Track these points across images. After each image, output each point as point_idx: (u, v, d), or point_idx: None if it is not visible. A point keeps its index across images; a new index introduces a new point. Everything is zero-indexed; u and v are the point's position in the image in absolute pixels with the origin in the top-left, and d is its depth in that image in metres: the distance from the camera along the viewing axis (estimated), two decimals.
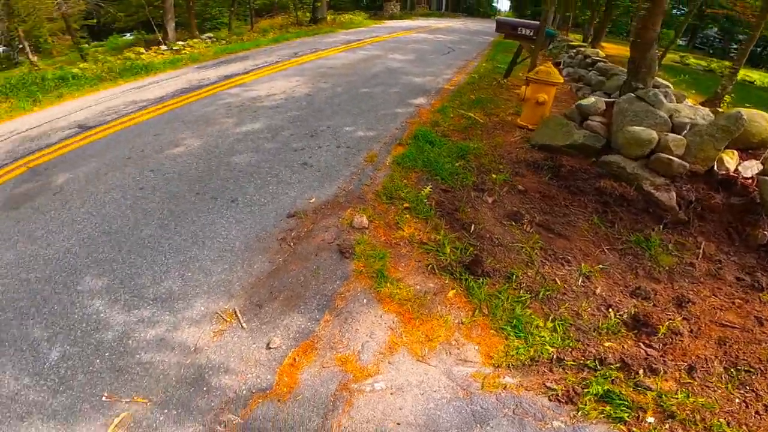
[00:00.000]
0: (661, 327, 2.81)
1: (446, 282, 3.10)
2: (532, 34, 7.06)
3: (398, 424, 2.20)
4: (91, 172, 4.60)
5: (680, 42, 23.58)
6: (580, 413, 2.40)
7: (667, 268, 3.28)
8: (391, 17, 22.96)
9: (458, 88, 7.31)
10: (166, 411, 2.20)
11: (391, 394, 2.36)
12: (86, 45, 18.13)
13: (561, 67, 9.67)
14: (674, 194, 3.48)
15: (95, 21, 20.79)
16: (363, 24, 19.82)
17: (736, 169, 3.51)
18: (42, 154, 5.35)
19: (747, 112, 3.78)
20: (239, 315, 2.76)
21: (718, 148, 3.50)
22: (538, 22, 7.30)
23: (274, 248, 3.33)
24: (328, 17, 21.15)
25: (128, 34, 25.52)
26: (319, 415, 2.20)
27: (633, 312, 2.94)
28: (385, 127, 5.39)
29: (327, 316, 2.80)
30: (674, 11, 17.01)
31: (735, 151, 3.64)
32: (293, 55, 10.33)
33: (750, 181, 3.45)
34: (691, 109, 3.96)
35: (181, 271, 3.12)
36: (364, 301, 2.92)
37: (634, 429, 2.41)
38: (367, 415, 2.21)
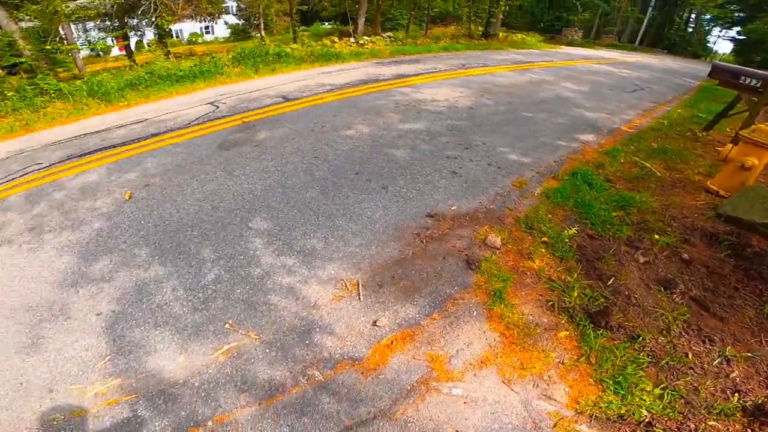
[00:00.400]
0: None
1: (562, 322, 2.96)
2: (758, 85, 5.85)
3: (456, 431, 2.26)
4: (283, 135, 5.68)
5: None
6: None
7: None
8: (570, 44, 21.48)
9: (638, 132, 6.53)
10: (267, 351, 2.62)
11: (464, 403, 2.42)
12: (296, 28, 21.77)
13: None
14: None
15: (307, 7, 24.61)
16: (536, 46, 19.08)
17: None
18: (254, 114, 6.80)
19: None
20: (361, 288, 3.14)
21: None
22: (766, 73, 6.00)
23: (408, 240, 3.64)
24: (500, 34, 20.97)
25: (327, 23, 29.73)
26: (391, 397, 2.39)
27: (762, 401, 2.36)
28: (541, 156, 5.23)
29: (435, 314, 2.97)
30: None
31: None
32: (461, 66, 10.66)
33: None
34: None
35: (326, 234, 3.67)
36: (474, 313, 2.99)
37: None
38: (433, 413, 2.33)
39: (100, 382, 2.52)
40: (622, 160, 5.27)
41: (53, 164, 5.65)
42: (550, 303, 3.10)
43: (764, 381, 2.68)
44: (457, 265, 3.37)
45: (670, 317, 3.02)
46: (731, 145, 4.47)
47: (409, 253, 3.51)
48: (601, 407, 2.48)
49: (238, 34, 34.62)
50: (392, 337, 2.78)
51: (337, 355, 2.61)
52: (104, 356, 2.67)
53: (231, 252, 3.50)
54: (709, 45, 31.75)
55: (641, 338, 2.86)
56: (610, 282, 3.28)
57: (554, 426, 2.37)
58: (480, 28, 21.31)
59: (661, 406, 2.47)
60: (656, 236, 3.71)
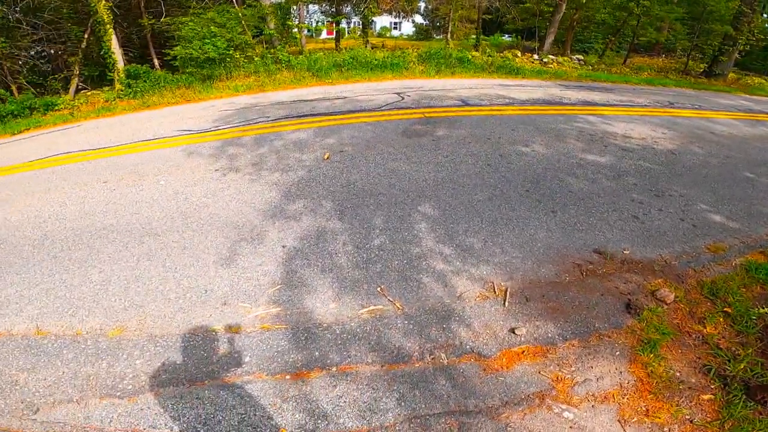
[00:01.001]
0: None
1: (711, 387, 2.60)
2: None
3: None
4: (460, 137, 6.09)
5: None
6: None
7: None
8: None
9: None
10: (405, 322, 2.89)
11: (570, 427, 2.37)
12: (479, 36, 22.09)
13: None
14: None
15: (491, 16, 24.60)
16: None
17: None
18: (434, 111, 7.40)
19: None
20: (507, 294, 3.27)
21: None
22: None
23: (567, 268, 3.60)
24: (730, 75, 17.45)
25: (508, 36, 29.26)
26: (502, 399, 2.47)
27: None
28: (753, 225, 4.40)
29: (575, 341, 2.92)
30: None
31: None
32: (668, 104, 9.39)
33: None
34: None
35: (486, 237, 3.89)
36: (617, 353, 2.85)
37: None
38: (537, 427, 2.35)
39: (264, 307, 3.11)
40: None
41: (276, 119, 7.21)
42: (707, 367, 2.75)
43: None
44: (614, 306, 3.22)
45: None
46: None
47: (565, 279, 3.49)
48: None
49: (422, 33, 36.96)
50: (525, 347, 2.86)
51: (467, 347, 2.80)
52: (276, 284, 3.32)
53: (398, 226, 4.02)
54: None
55: None
56: None
57: None
58: (702, 65, 18.22)
59: None
60: None
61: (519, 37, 26.16)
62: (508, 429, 2.37)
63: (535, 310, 3.20)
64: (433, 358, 2.73)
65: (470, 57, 14.51)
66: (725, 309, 3.27)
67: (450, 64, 13.14)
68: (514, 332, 2.99)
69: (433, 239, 3.87)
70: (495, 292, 3.35)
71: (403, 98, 8.46)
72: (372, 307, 3.08)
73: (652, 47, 24.74)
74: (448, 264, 3.57)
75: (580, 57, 19.01)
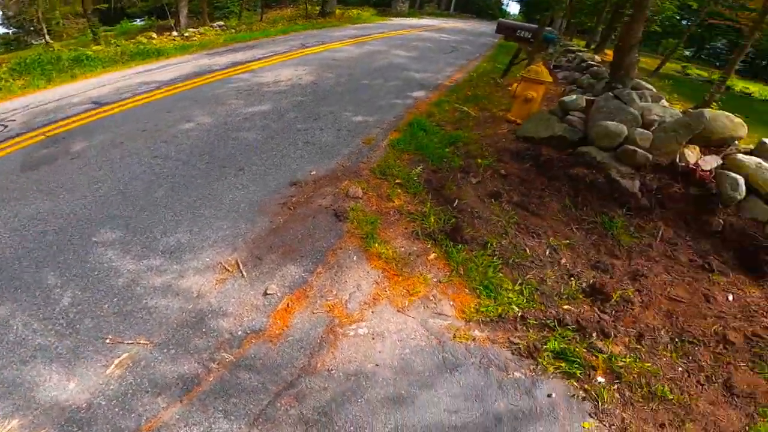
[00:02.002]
0: (614, 295, 3.25)
1: (428, 246, 3.56)
2: (530, 36, 7.53)
3: (377, 365, 2.61)
4: (106, 141, 5.07)
5: (687, 53, 24.03)
6: (539, 367, 2.80)
7: (626, 247, 3.73)
8: (398, 14, 23.48)
9: (456, 84, 7.80)
10: (164, 351, 2.54)
11: (372, 338, 2.79)
12: (95, 29, 18.64)
13: (559, 69, 10.15)
14: (638, 182, 3.93)
15: (107, 5, 21.33)
16: (370, 20, 20.37)
17: (696, 163, 3.95)
18: (59, 126, 5.82)
19: (711, 113, 4.24)
20: (241, 265, 3.21)
21: (680, 143, 3.95)
22: (536, 26, 7.77)
23: (276, 210, 3.79)
24: (337, 12, 21.67)
25: (138, 20, 26.05)
26: (305, 354, 2.60)
27: (592, 281, 3.39)
28: (383, 115, 5.87)
29: (320, 268, 3.25)
30: (683, 22, 17.42)
31: (697, 147, 4.09)
32: (300, 47, 10.83)
33: (708, 173, 3.89)
34: (662, 109, 4.42)
35: (190, 226, 3.57)
36: (354, 258, 3.37)
37: (586, 386, 2.79)
38: (350, 356, 2.63)
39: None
40: (447, 108, 6.29)
41: None
42: (414, 232, 3.68)
43: (586, 262, 3.70)
44: (327, 220, 3.69)
45: (504, 222, 3.90)
46: (516, 84, 5.76)
47: (280, 221, 3.68)
48: (482, 312, 3.10)
49: (10, 44, 27.83)
50: (287, 300, 2.95)
51: (240, 333, 2.67)
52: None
53: (80, 271, 3.13)
54: (504, 8, 38.39)
55: (489, 244, 3.63)
56: (455, 204, 4.03)
57: (454, 338, 2.89)
58: (317, 8, 21.55)
59: (524, 300, 3.21)
60: (479, 160, 4.66)
61: (153, 18, 23.59)
62: (332, 372, 2.47)
63: (272, 263, 3.26)
64: (219, 363, 2.48)
65: (91, 53, 12.02)
66: (397, 181, 4.30)
67: (63, 67, 10.49)
68: (268, 293, 2.98)
69: (132, 260, 3.22)
70: (229, 270, 3.18)
71: (6, 126, 6.22)
72: (117, 360, 2.48)
73: (281, 0, 27.41)
74: (166, 273, 3.10)
75: (222, 23, 19.05)
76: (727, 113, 4.30)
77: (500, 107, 6.43)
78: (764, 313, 3.21)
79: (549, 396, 2.62)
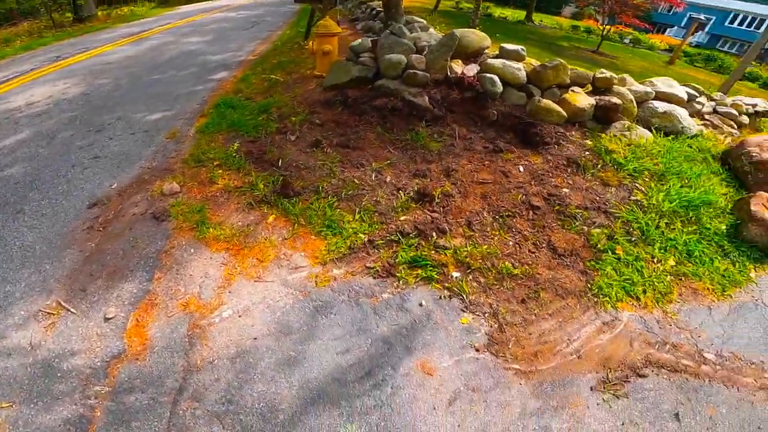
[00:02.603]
0: (436, 193, 3.84)
1: (265, 211, 3.60)
2: None
3: (255, 338, 2.63)
4: None
5: None
6: (401, 282, 3.12)
7: (436, 151, 4.41)
8: (188, 1, 21.23)
9: (261, 57, 7.66)
10: (33, 405, 2.23)
11: (240, 316, 2.77)
12: None
13: (357, 21, 10.77)
14: (426, 98, 4.63)
15: None
16: (149, 14, 17.98)
17: (462, 72, 4.83)
18: None
19: (461, 31, 5.15)
20: (65, 304, 2.78)
21: (446, 59, 4.77)
22: None
23: (83, 237, 3.31)
24: (99, 13, 18.48)
25: None
26: (180, 356, 2.48)
27: (416, 188, 3.94)
28: (184, 105, 5.46)
29: (158, 273, 3.02)
30: None
31: (459, 60, 4.99)
32: (55, 59, 9.00)
33: (473, 78, 4.80)
34: (429, 35, 5.20)
35: None
36: (192, 250, 3.21)
37: (447, 284, 3.19)
38: (225, 341, 2.59)
39: None
40: (254, 81, 6.19)
41: None
42: (247, 203, 3.66)
43: (408, 174, 4.15)
44: (147, 226, 3.39)
45: (329, 164, 4.15)
46: (312, 41, 5.95)
47: (92, 247, 3.23)
48: (333, 251, 3.28)
49: None
50: (134, 316, 2.71)
51: (99, 363, 2.42)
52: None
53: None
54: None
55: (321, 187, 3.85)
56: (280, 164, 4.11)
57: (317, 284, 3.01)
58: (69, 14, 17.86)
59: (367, 226, 3.48)
60: (293, 118, 4.79)
61: None
62: (215, 363, 2.43)
63: (100, 288, 2.88)
64: (97, 398, 2.27)
65: None
66: (216, 163, 4.12)
67: None
68: (109, 319, 2.68)
69: None
70: (54, 313, 2.72)
71: None
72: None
73: (11, 16, 21.80)
74: None
75: None
76: (474, 30, 5.28)
77: (307, 67, 6.60)
78: (549, 175, 4.18)
79: (421, 305, 2.96)
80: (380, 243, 3.38)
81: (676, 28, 33.11)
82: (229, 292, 2.94)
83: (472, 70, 4.88)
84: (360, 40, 5.35)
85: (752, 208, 4.10)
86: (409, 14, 13.73)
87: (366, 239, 3.40)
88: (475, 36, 5.14)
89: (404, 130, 4.57)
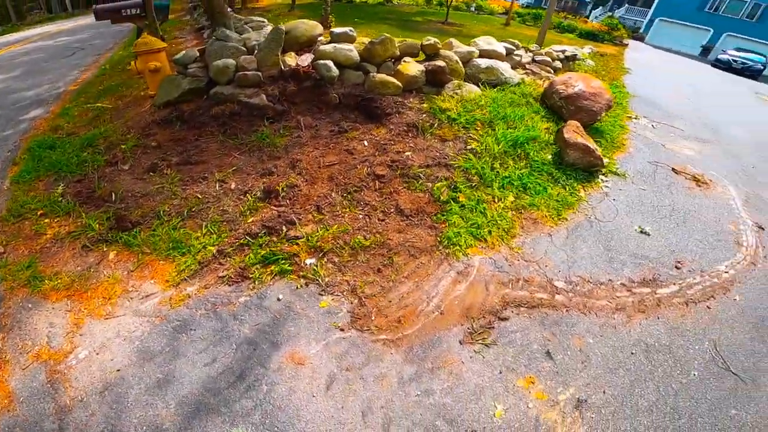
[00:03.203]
0: (279, 188, 3.86)
1: (104, 250, 3.38)
2: (139, 12, 7.08)
3: (119, 370, 2.53)
4: None
5: None
6: (256, 282, 3.10)
7: (282, 146, 4.47)
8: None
9: (85, 85, 6.91)
10: None
11: (97, 354, 2.63)
12: None
13: (203, 30, 10.21)
14: (264, 96, 4.66)
15: None
16: None
17: (297, 64, 4.94)
18: None
19: (290, 24, 5.24)
20: None
21: (276, 54, 4.83)
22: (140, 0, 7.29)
23: None
24: None
25: None
26: (48, 400, 2.37)
27: (263, 187, 3.96)
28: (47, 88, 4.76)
29: (0, 335, 2.76)
30: None
31: (293, 53, 5.09)
32: None
33: (308, 67, 4.93)
34: (259, 34, 5.19)
35: None
36: (30, 306, 2.95)
37: (302, 273, 3.20)
38: (88, 379, 2.48)
39: None
40: (76, 113, 5.60)
41: None
42: (83, 246, 3.38)
43: (255, 175, 4.10)
44: None
45: (168, 186, 3.95)
46: (134, 61, 5.52)
47: None
48: (184, 270, 3.17)
49: None
50: None
51: None
52: None
53: None
54: None
55: (162, 211, 3.65)
56: (114, 198, 3.84)
57: (171, 306, 2.92)
58: None
59: (215, 237, 3.41)
60: (123, 146, 4.47)
61: None
62: (84, 400, 2.27)
63: None
64: None
65: None
66: (40, 213, 3.70)
67: None
68: None
69: None
70: None
71: None
72: None
73: None
74: None
75: None
76: (304, 21, 5.38)
77: (141, 88, 6.14)
78: (391, 143, 4.49)
79: (279, 300, 2.99)
80: (230, 251, 3.36)
81: None
82: (80, 334, 2.78)
83: (306, 59, 5.01)
84: (184, 52, 5.14)
85: (566, 135, 4.86)
86: (268, 13, 13.46)
87: (215, 250, 3.35)
88: (306, 26, 5.26)
89: (248, 132, 4.55)
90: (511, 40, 7.20)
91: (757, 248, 4.05)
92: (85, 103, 5.89)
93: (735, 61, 17.93)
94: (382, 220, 3.70)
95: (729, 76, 16.33)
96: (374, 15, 14.42)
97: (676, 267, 3.65)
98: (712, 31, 23.63)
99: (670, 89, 9.90)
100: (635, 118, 6.87)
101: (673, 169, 5.24)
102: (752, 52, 19.11)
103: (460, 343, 2.77)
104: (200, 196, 3.83)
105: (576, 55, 8.38)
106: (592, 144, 4.79)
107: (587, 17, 25.18)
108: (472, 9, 20.08)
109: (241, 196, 3.87)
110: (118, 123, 5.06)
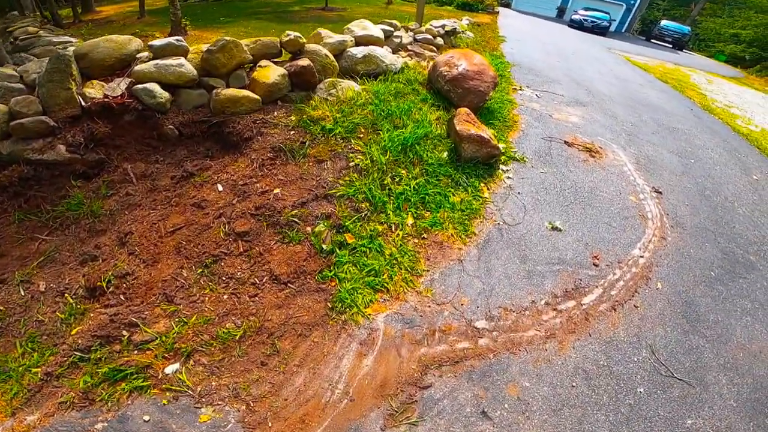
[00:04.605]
0: (103, 282, 2.65)
1: None
2: None
3: None
4: None
5: None
6: (110, 404, 2.20)
7: (107, 212, 3.15)
8: None
9: None
10: None
11: None
12: None
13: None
14: (62, 147, 3.20)
15: None
16: None
17: (105, 95, 3.48)
18: None
19: (84, 44, 3.72)
20: None
21: (68, 88, 3.32)
22: None
23: None
24: None
25: None
26: None
27: (84, 282, 2.67)
28: None
29: None
30: None
31: (96, 80, 3.60)
32: None
33: (121, 97, 3.50)
34: (39, 63, 3.58)
35: None
36: None
37: (165, 385, 2.31)
38: None
39: None
40: None
41: None
42: None
43: (74, 264, 2.78)
44: None
45: None
46: None
47: None
48: (13, 398, 2.19)
49: None
50: None
51: None
52: None
53: None
54: None
55: None
56: None
57: None
58: None
59: (37, 356, 2.35)
60: None
61: None
62: None
63: None
64: None
65: None
66: None
67: None
68: None
69: None
70: None
71: None
72: None
73: None
74: None
75: None
76: (109, 37, 3.83)
77: None
78: (253, 181, 3.34)
79: (147, 421, 2.16)
80: (60, 371, 2.32)
81: None
82: None
83: (118, 87, 3.55)
84: None
85: (458, 128, 4.10)
86: (109, 24, 10.84)
87: (41, 374, 2.30)
88: (111, 43, 3.74)
89: (55, 201, 3.11)
90: (388, 20, 6.23)
91: (662, 218, 3.72)
92: None
93: (585, 20, 18.81)
94: (255, 296, 2.69)
95: (583, 34, 17.24)
96: (244, 11, 12.45)
97: (594, 264, 3.14)
98: None
99: (542, 53, 9.83)
100: (520, 90, 6.42)
101: (565, 142, 4.82)
102: (598, 11, 20.28)
103: (382, 430, 2.12)
104: (2, 308, 2.50)
105: (455, 28, 7.72)
106: (486, 133, 4.10)
107: None
108: None
109: (58, 298, 2.60)
110: None
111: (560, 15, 23.90)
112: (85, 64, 3.57)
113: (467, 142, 4.02)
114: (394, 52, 5.92)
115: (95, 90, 3.41)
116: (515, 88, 6.38)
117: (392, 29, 6.15)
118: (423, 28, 7.17)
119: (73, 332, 2.50)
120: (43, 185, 3.13)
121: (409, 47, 6.43)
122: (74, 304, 2.59)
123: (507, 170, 4.26)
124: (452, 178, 3.84)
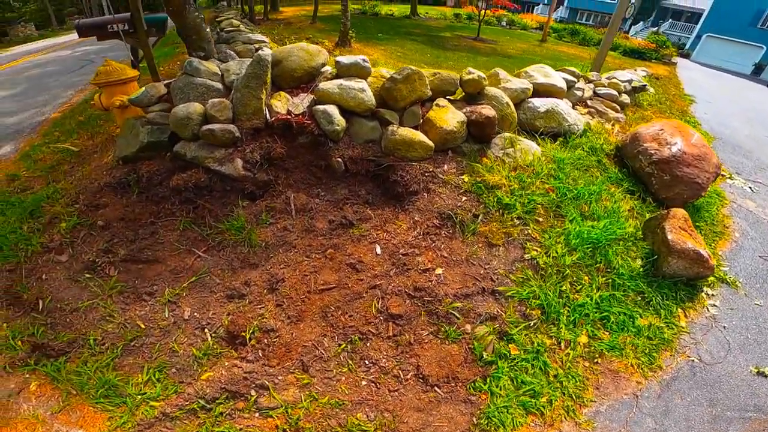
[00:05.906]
0: (247, 333, 2.38)
1: (27, 376, 2.23)
2: (127, 27, 5.44)
3: None
4: None
5: None
6: None
7: (263, 242, 2.88)
8: (26, 40, 16.52)
9: (68, 112, 5.43)
10: None
11: None
12: None
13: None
14: (240, 161, 3.01)
15: None
16: None
17: (288, 110, 3.23)
18: None
19: (279, 50, 3.54)
20: None
21: (259, 97, 3.12)
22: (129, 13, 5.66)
23: None
24: None
25: None
26: None
27: (227, 323, 2.41)
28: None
29: None
30: None
31: (283, 92, 3.37)
32: None
33: (302, 117, 3.22)
34: (239, 63, 3.47)
35: None
36: None
37: None
38: None
39: None
40: (41, 155, 4.16)
41: None
42: (4, 367, 2.23)
43: (221, 295, 2.60)
44: None
45: (105, 304, 2.51)
46: (98, 95, 3.94)
47: None
48: (119, 426, 2.03)
49: None
50: None
51: None
52: None
53: None
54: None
55: (93, 339, 2.36)
56: (42, 306, 2.49)
57: None
58: None
59: (159, 388, 2.17)
60: (62, 224, 2.97)
61: None
62: None
63: None
64: None
65: None
66: None
67: None
68: None
69: None
70: None
71: None
72: None
73: None
74: None
75: None
76: (301, 45, 3.62)
77: (118, 124, 4.62)
78: (415, 252, 2.78)
79: None
80: (178, 414, 2.08)
81: (541, 5, 32.73)
82: None
83: (303, 103, 3.28)
84: (144, 88, 3.51)
85: (669, 237, 2.99)
86: (288, 26, 11.59)
87: (160, 410, 2.09)
88: (303, 53, 3.50)
89: (218, 217, 2.96)
90: (569, 68, 5.18)
91: None
92: (55, 141, 4.44)
93: None
94: (395, 391, 2.17)
95: None
96: (399, 30, 12.29)
97: None
98: (765, 48, 19.76)
99: (745, 122, 7.56)
100: (729, 178, 4.81)
101: None
102: None
103: None
104: (142, 325, 2.44)
105: (645, 86, 6.21)
106: (705, 251, 2.93)
107: (627, 33, 21.68)
108: (503, 24, 17.43)
109: (198, 331, 2.39)
110: (74, 178, 3.58)
111: (757, 72, 19.18)
112: (278, 72, 3.39)
113: (677, 256, 2.91)
114: (573, 107, 4.88)
115: (281, 103, 3.18)
116: (722, 175, 4.80)
117: (575, 79, 5.07)
118: (604, 80, 5.90)
119: (203, 377, 2.23)
120: (214, 198, 3.00)
121: (588, 102, 5.28)
122: (211, 344, 2.33)
123: (713, 295, 3.05)
124: (643, 295, 2.82)
